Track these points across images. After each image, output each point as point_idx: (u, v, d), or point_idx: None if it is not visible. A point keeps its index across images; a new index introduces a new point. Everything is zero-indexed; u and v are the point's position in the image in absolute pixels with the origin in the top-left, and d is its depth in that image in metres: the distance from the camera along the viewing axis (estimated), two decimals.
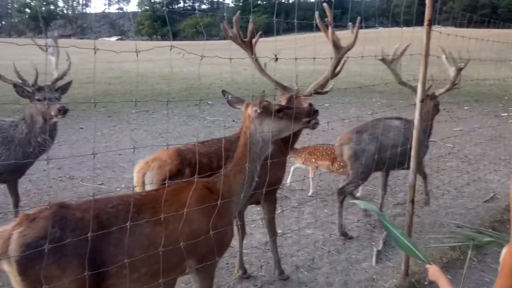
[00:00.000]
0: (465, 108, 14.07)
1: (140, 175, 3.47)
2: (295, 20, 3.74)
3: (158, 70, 22.44)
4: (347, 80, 17.64)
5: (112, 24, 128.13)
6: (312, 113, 3.13)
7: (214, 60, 2.76)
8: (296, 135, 4.05)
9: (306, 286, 4.22)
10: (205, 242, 2.70)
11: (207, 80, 20.27)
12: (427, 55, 3.86)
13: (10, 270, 2.23)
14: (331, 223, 5.50)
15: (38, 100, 4.66)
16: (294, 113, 2.97)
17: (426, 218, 5.77)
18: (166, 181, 3.00)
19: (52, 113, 4.66)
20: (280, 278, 4.32)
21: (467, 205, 6.31)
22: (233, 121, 12.22)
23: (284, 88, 4.18)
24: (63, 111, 4.67)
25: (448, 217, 5.81)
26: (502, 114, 13.57)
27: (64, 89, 4.96)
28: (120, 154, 8.79)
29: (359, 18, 3.99)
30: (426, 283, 4.19)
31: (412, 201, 4.12)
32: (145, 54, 2.93)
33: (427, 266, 2.63)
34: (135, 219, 2.44)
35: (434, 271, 2.53)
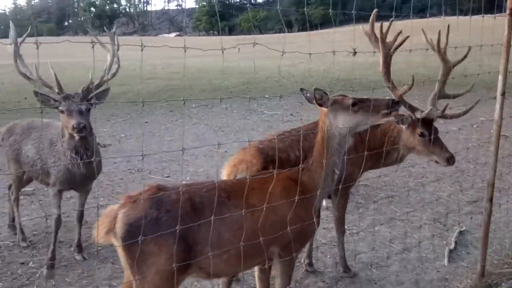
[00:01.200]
0: None
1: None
2: (353, 11, 3.57)
3: (215, 64, 22.78)
4: (408, 71, 17.07)
5: (171, 21, 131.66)
6: (392, 104, 2.95)
7: (270, 54, 2.76)
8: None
9: (375, 284, 4.15)
10: (289, 231, 2.81)
11: (264, 74, 20.35)
12: (508, 46, 3.64)
13: (117, 244, 2.54)
14: (397, 220, 5.37)
15: (62, 112, 3.96)
16: (372, 106, 2.88)
17: (499, 216, 5.48)
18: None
19: (69, 129, 3.95)
20: (346, 275, 4.28)
21: None
22: (291, 114, 12.21)
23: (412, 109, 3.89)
24: (78, 129, 3.85)
25: None
26: None
27: (100, 97, 4.19)
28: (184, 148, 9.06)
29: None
30: (503, 284, 3.99)
31: (491, 199, 3.93)
32: (201, 50, 2.97)
33: None
34: (226, 204, 2.65)
35: None
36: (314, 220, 3.03)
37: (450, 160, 3.78)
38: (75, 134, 3.93)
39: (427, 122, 3.80)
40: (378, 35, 3.83)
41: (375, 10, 3.73)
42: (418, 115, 3.79)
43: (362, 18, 4.36)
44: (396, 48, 3.85)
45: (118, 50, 4.37)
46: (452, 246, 4.77)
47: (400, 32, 3.90)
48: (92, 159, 4.07)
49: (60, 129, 4.23)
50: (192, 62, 23.19)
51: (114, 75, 4.28)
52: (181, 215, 2.47)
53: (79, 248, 4.68)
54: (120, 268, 4.42)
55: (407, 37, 3.81)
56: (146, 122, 11.64)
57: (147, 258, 2.44)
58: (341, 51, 3.11)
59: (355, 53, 3.16)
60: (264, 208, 2.70)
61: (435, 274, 4.29)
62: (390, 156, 4.03)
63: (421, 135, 3.78)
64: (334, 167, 2.97)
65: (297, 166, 3.05)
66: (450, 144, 5.92)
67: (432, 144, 3.77)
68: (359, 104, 2.93)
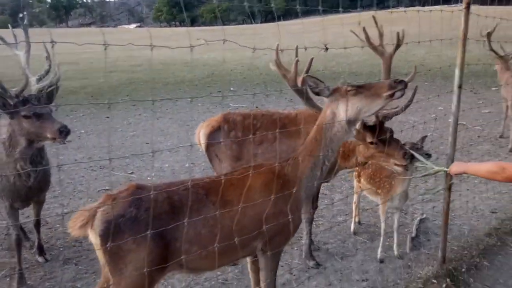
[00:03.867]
0: (493, 89, 13.70)
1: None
2: (319, 7, 3.54)
3: (179, 57, 22.45)
4: (370, 62, 17.41)
5: (131, 11, 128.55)
6: (394, 84, 2.74)
7: (234, 46, 2.72)
8: None
9: (341, 273, 4.23)
10: (271, 225, 2.80)
11: (228, 66, 20.25)
12: (465, 39, 3.75)
13: (95, 242, 2.53)
14: (362, 210, 5.48)
15: (25, 117, 3.52)
16: (373, 89, 2.76)
17: (459, 204, 5.69)
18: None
19: (49, 135, 3.53)
20: (313, 266, 4.35)
21: (501, 189, 6.20)
22: (257, 107, 12.22)
23: None
24: (65, 133, 3.53)
25: (481, 203, 5.71)
26: None
27: (49, 97, 3.75)
28: (147, 143, 8.91)
29: None
30: (463, 270, 4.15)
31: (450, 188, 4.06)
32: (166, 41, 2.92)
33: (449, 169, 2.63)
34: (204, 201, 2.68)
35: (456, 166, 2.54)
36: (299, 214, 3.03)
37: (405, 156, 3.57)
38: (58, 139, 3.53)
39: (376, 126, 3.64)
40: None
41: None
42: (366, 123, 3.67)
43: (326, 10, 4.38)
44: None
45: (29, 46, 3.90)
46: (413, 234, 4.91)
47: (359, 22, 3.93)
48: (47, 167, 3.88)
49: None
50: (155, 54, 22.73)
51: (47, 72, 3.91)
52: (160, 214, 2.51)
53: (40, 250, 4.53)
54: (84, 269, 4.34)
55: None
56: (108, 117, 11.37)
57: (126, 255, 2.45)
58: (312, 47, 3.06)
59: (326, 49, 3.14)
60: (243, 204, 2.71)
61: (398, 262, 4.41)
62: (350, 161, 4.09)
63: (373, 143, 3.66)
64: (325, 158, 2.92)
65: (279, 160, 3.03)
66: (409, 135, 6.09)
67: (387, 147, 3.61)
68: (359, 90, 2.79)
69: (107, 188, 6.49)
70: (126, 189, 2.61)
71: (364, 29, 3.93)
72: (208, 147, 4.36)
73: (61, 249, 4.72)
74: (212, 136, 4.32)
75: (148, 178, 6.96)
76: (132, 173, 7.23)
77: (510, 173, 2.58)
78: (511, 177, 2.63)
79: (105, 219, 2.47)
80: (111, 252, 2.45)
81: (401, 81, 2.74)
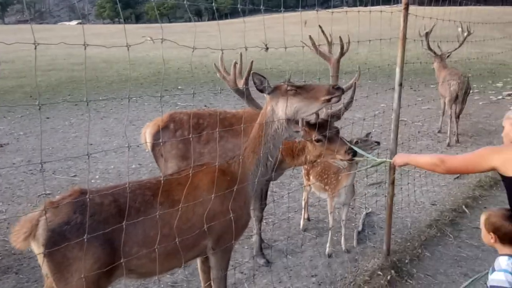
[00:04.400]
0: (431, 86, 14.39)
1: (143, 133, 4.40)
2: (261, 7, 3.55)
3: (123, 55, 21.83)
4: (316, 61, 17.70)
5: (72, 8, 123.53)
6: (332, 90, 2.88)
7: (180, 43, 2.68)
8: None
9: (291, 270, 4.27)
10: (219, 223, 2.79)
11: (175, 64, 19.93)
12: (404, 39, 3.89)
13: (38, 251, 2.39)
14: (310, 206, 5.57)
15: None
16: (312, 92, 2.87)
17: (401, 197, 5.91)
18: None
19: None
20: (263, 264, 4.36)
21: (440, 182, 6.51)
22: (205, 106, 12.13)
23: None
24: None
25: (422, 196, 5.97)
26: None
27: None
28: (91, 144, 8.59)
29: None
30: (407, 261, 4.32)
31: (393, 182, 4.20)
32: (109, 39, 2.83)
33: (393, 161, 2.74)
34: (151, 202, 2.60)
35: (399, 157, 2.64)
36: (248, 211, 3.05)
37: (348, 151, 3.62)
38: None
39: (323, 124, 3.72)
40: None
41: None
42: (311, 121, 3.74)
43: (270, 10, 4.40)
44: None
45: None
46: (360, 228, 5.06)
47: (305, 22, 3.99)
48: None
49: None
50: (97, 52, 21.97)
51: None
52: (106, 218, 2.43)
53: None
54: (26, 277, 4.11)
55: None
56: (48, 118, 10.85)
57: (72, 264, 2.34)
58: (253, 46, 3.09)
59: (267, 48, 3.17)
60: (191, 204, 2.68)
61: (346, 256, 4.52)
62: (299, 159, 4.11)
63: (318, 141, 3.73)
64: (268, 154, 2.98)
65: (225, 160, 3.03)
66: (354, 131, 6.26)
67: (333, 143, 3.68)
68: (298, 90, 2.90)
69: (48, 192, 6.19)
70: (69, 194, 2.50)
71: (310, 37, 4.15)
72: (154, 146, 4.27)
73: (0, 257, 4.44)
74: (158, 135, 4.23)
75: (93, 181, 6.71)
76: (75, 176, 6.94)
77: (449, 165, 2.72)
78: (450, 169, 2.78)
79: (49, 227, 2.33)
80: (56, 262, 2.34)
81: (339, 88, 2.91)
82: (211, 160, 3.57)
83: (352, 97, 3.80)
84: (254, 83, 2.91)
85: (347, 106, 3.83)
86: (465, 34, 9.00)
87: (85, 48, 1.90)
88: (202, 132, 4.23)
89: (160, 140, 4.13)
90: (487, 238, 2.52)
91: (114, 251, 2.44)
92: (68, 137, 9.24)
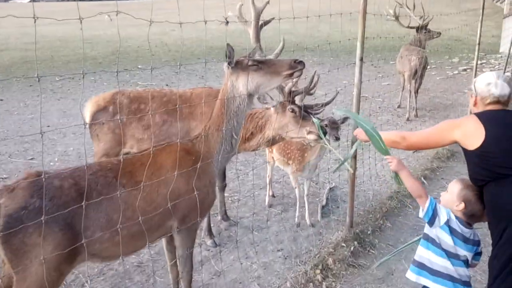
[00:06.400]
0: (391, 63, 14.66)
1: (84, 110, 4.25)
2: None
3: (79, 33, 20.99)
4: (277, 39, 17.63)
5: None
6: (294, 64, 2.86)
7: (139, 22, 2.59)
8: None
9: (258, 245, 4.32)
10: (184, 203, 2.75)
11: (135, 43, 19.35)
12: (364, 13, 3.92)
13: None
14: (275, 183, 5.62)
15: None
16: (274, 67, 2.85)
17: (363, 171, 6.05)
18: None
19: None
20: (210, 244, 4.34)
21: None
22: (166, 85, 11.90)
23: None
24: None
25: (383, 169, 6.13)
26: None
27: None
28: (48, 126, 8.30)
29: None
30: (369, 232, 4.45)
31: (355, 157, 4.29)
32: (63, 16, 2.71)
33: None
34: (113, 184, 2.52)
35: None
36: (214, 187, 3.03)
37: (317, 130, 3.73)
38: None
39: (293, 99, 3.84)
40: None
41: None
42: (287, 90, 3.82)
43: None
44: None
45: None
46: (324, 202, 5.16)
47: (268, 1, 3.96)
48: None
49: None
50: (52, 30, 21.03)
51: None
52: (66, 202, 2.34)
53: None
54: None
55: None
56: (1, 100, 10.37)
57: (30, 250, 2.25)
58: (213, 20, 3.02)
59: (227, 22, 3.11)
60: (154, 183, 2.63)
61: (311, 229, 4.61)
62: (253, 140, 4.01)
63: (292, 111, 3.75)
64: (232, 131, 2.95)
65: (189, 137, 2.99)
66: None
67: (302, 119, 3.74)
68: (259, 65, 2.87)
69: (4, 176, 5.96)
70: (24, 177, 2.38)
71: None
72: (91, 125, 4.13)
73: None
74: (96, 115, 4.10)
75: (51, 164, 6.50)
76: (32, 159, 6.70)
77: (411, 142, 2.80)
78: (412, 146, 2.88)
79: (5, 213, 2.24)
80: (14, 248, 2.24)
81: (300, 62, 2.88)
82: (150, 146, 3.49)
83: (311, 80, 3.93)
84: (226, 54, 2.84)
85: (310, 85, 3.89)
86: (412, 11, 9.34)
87: (35, 22, 1.80)
88: (142, 118, 4.07)
89: (98, 120, 4.03)
90: (452, 203, 2.51)
91: (75, 236, 2.36)
92: (23, 118, 8.88)
